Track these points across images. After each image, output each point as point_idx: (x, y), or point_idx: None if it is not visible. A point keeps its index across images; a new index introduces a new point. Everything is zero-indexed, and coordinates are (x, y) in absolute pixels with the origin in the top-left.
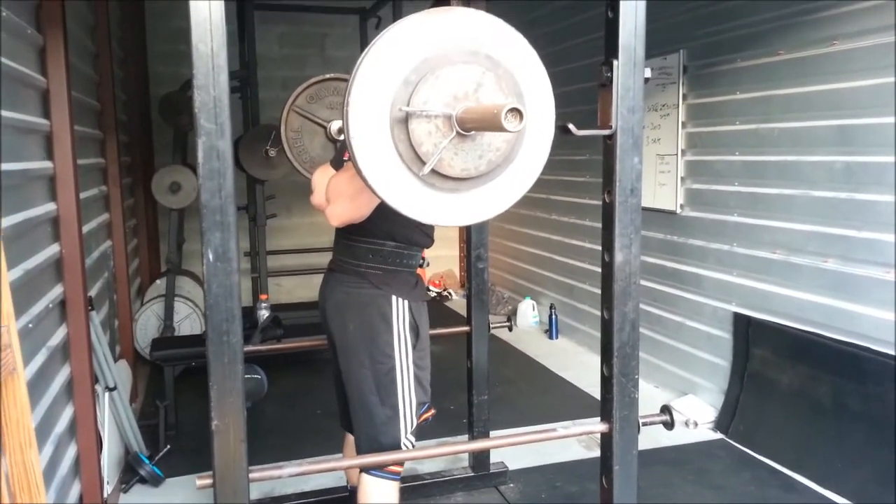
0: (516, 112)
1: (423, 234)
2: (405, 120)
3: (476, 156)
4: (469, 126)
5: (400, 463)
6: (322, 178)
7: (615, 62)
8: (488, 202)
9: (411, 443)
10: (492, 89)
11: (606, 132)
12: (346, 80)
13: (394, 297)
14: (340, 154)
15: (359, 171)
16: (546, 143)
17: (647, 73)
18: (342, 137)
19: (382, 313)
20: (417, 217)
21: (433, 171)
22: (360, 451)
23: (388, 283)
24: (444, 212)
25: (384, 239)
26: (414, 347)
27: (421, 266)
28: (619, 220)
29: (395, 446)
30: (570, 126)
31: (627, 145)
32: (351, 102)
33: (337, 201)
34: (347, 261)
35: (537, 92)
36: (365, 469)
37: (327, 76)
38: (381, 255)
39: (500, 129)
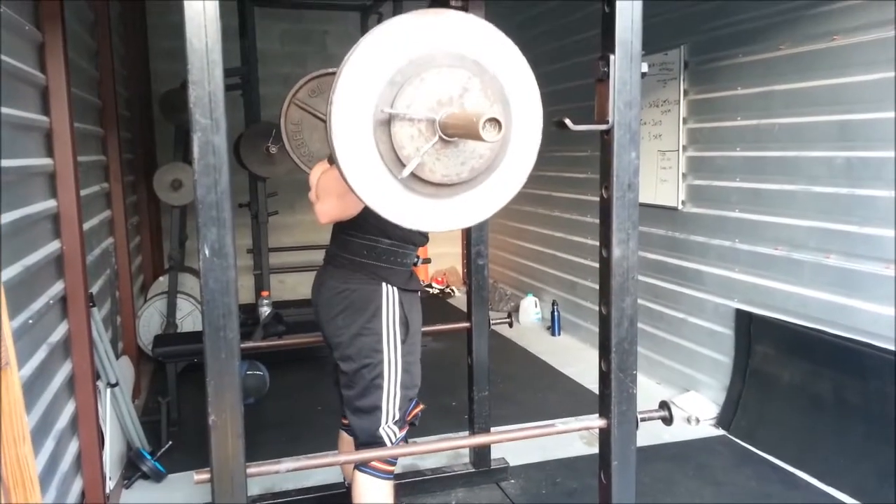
0: (495, 122)
1: (417, 232)
2: (388, 122)
3: (458, 162)
4: (451, 132)
5: (390, 462)
6: (318, 176)
7: (612, 57)
8: (469, 209)
9: (394, 433)
10: (477, 95)
11: (603, 127)
12: None
13: (385, 289)
14: None
15: (339, 170)
16: (532, 152)
17: (644, 67)
18: None
19: (372, 309)
20: (396, 220)
21: (414, 176)
22: (357, 442)
23: (380, 275)
24: (424, 217)
25: (378, 236)
26: (403, 342)
27: (416, 265)
28: (616, 215)
29: (373, 435)
30: (567, 121)
31: (625, 140)
32: (335, 101)
33: (325, 199)
34: (342, 255)
35: (524, 99)
36: (358, 466)
37: (330, 70)
38: (375, 252)
39: (478, 138)
